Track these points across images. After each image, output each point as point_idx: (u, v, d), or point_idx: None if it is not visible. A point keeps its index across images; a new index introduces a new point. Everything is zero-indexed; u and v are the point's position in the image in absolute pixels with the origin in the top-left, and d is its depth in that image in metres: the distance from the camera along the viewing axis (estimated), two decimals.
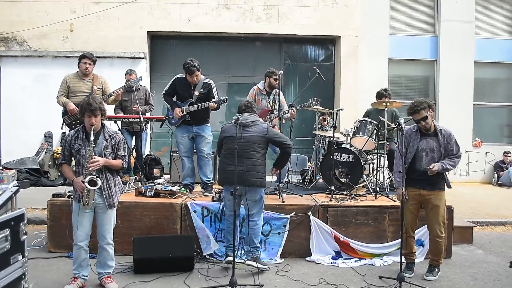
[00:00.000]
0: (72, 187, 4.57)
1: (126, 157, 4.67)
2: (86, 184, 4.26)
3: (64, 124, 6.61)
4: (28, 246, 3.68)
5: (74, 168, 4.58)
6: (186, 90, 6.47)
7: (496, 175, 12.63)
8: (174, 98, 6.56)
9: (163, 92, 6.63)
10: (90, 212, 4.48)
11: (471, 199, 9.85)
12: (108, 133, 4.56)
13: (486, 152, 12.97)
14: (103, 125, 4.57)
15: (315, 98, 6.91)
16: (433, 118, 5.31)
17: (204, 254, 5.63)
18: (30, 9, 11.47)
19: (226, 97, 6.40)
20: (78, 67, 6.60)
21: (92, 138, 4.35)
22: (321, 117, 9.65)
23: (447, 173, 5.20)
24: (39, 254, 5.65)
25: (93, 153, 4.34)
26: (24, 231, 3.58)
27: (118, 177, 4.72)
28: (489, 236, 7.26)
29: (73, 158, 4.56)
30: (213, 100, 6.33)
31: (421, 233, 5.79)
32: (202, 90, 6.44)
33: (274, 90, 7.02)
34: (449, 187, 5.23)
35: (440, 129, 5.13)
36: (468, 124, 12.83)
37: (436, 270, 5.28)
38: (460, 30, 12.70)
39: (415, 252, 5.48)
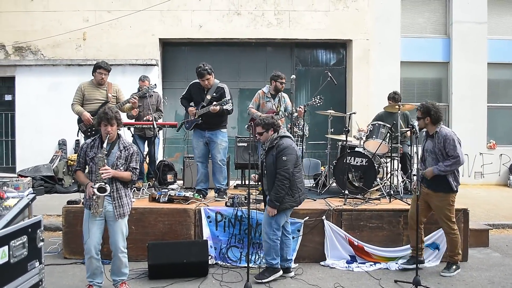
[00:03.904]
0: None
1: (137, 170, 4.68)
2: (95, 190, 4.30)
3: (80, 131, 6.69)
4: (44, 253, 3.72)
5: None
6: (199, 94, 6.54)
7: (511, 177, 12.46)
8: (191, 104, 6.65)
9: (181, 97, 6.77)
10: (100, 220, 4.51)
11: (486, 202, 9.72)
12: (123, 144, 4.62)
13: (501, 154, 12.79)
14: (119, 136, 4.63)
15: (318, 96, 6.92)
16: (443, 123, 5.34)
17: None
18: (44, 19, 11.64)
19: (229, 97, 6.44)
20: (93, 75, 6.67)
21: (105, 145, 4.41)
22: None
23: (451, 176, 5.18)
24: (54, 261, 5.72)
25: (105, 161, 4.40)
26: (41, 238, 3.63)
27: (129, 188, 4.73)
28: (505, 239, 7.15)
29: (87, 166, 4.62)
30: (214, 103, 6.32)
31: (437, 236, 5.77)
32: (214, 94, 6.48)
33: (280, 93, 7.17)
34: (454, 191, 5.21)
35: (437, 131, 5.21)
36: (482, 126, 12.67)
37: (454, 267, 5.31)
38: (473, 31, 12.57)
39: (421, 247, 5.46)
